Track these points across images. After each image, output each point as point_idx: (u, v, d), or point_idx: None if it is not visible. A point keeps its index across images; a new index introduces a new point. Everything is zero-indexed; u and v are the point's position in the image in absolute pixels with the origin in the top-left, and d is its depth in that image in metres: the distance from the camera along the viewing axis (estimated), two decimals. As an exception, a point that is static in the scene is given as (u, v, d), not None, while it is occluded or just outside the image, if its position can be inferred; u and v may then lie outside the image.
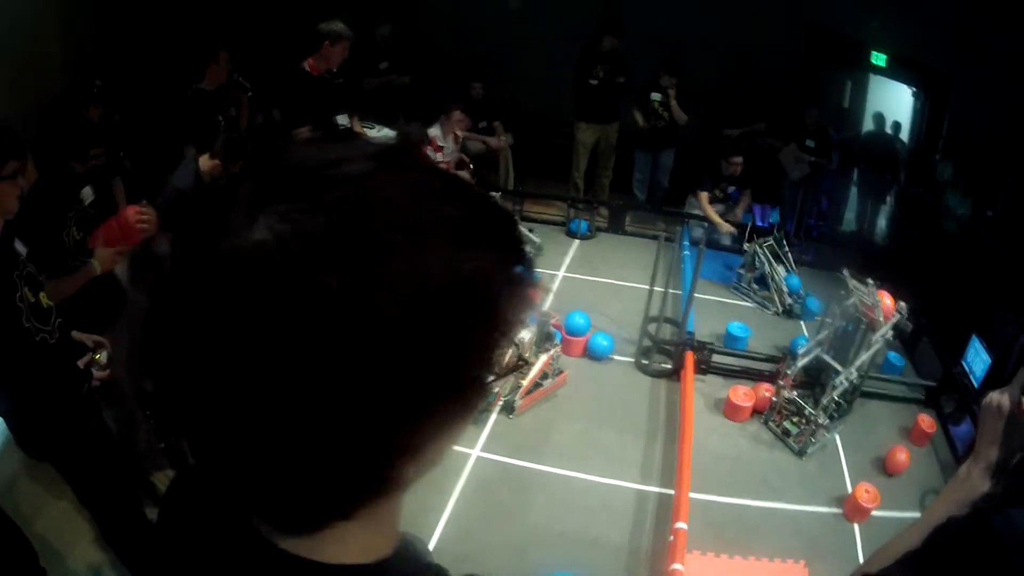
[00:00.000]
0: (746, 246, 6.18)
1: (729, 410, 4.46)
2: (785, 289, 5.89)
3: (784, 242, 6.23)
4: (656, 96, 7.24)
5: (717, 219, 6.89)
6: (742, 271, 6.20)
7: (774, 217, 7.81)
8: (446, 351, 0.52)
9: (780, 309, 5.89)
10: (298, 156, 0.54)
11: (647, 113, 7.33)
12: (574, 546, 3.37)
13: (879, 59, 8.43)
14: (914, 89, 9.13)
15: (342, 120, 5.19)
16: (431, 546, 3.22)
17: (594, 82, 7.12)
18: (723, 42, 7.80)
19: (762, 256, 5.97)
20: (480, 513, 3.49)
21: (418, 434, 0.55)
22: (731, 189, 7.06)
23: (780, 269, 5.98)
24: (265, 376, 0.48)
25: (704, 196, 6.94)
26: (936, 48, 7.65)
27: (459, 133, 6.72)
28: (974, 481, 1.23)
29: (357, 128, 5.49)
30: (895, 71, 8.63)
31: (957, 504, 1.23)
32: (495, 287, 0.55)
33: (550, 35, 7.95)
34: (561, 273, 6.19)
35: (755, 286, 6.08)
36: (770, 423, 4.41)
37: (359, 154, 0.54)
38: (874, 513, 3.75)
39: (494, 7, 8.05)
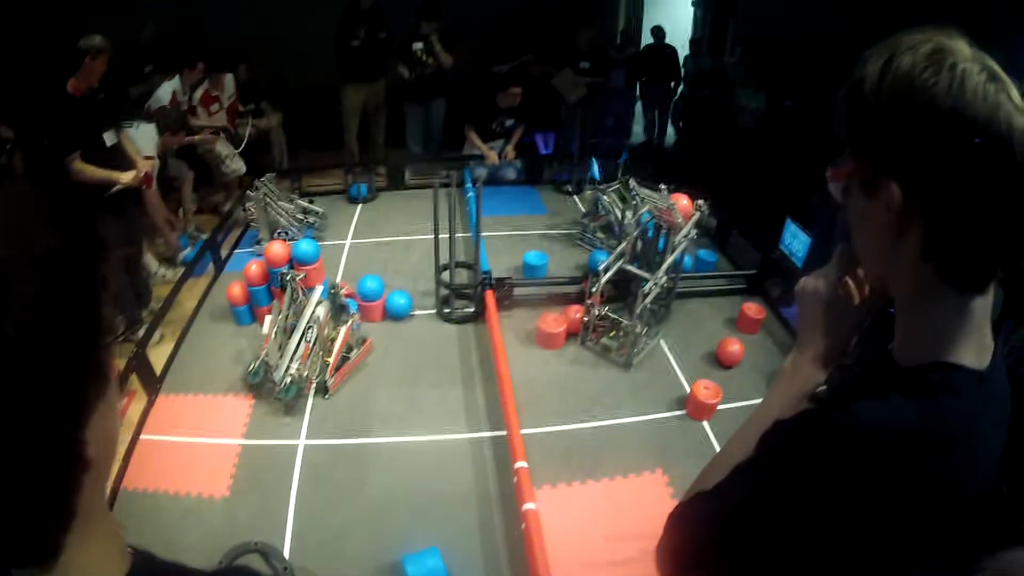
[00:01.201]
0: (587, 194, 6.36)
1: (542, 339, 4.49)
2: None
3: (630, 182, 6.28)
4: (418, 45, 7.20)
5: (484, 148, 7.05)
6: (586, 220, 6.15)
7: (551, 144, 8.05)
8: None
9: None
10: None
11: (411, 63, 7.27)
12: (425, 509, 3.33)
13: None
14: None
15: (109, 138, 4.85)
16: (286, 548, 3.11)
17: (356, 43, 6.98)
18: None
19: (606, 201, 5.92)
20: (324, 502, 3.38)
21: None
22: (509, 122, 7.15)
23: (628, 213, 5.91)
24: None
25: (472, 131, 7.05)
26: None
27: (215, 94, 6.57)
28: (804, 372, 1.21)
29: (126, 144, 5.15)
30: None
31: (790, 399, 1.20)
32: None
33: (305, 3, 7.73)
34: (348, 241, 6.06)
35: (601, 235, 6.01)
36: (587, 343, 4.48)
37: None
38: (720, 407, 3.88)
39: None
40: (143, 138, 5.65)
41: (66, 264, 0.56)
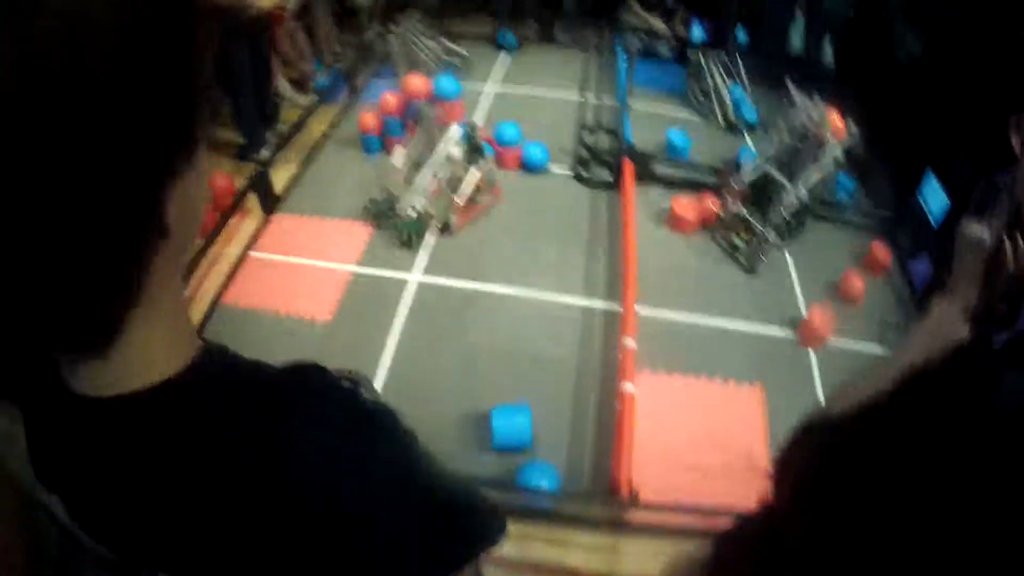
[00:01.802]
0: (689, 53, 5.92)
1: (673, 221, 4.28)
2: (728, 102, 5.62)
3: (736, 56, 5.99)
4: None
5: (644, 15, 6.64)
6: (690, 79, 5.89)
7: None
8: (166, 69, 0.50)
9: (723, 123, 5.63)
10: None
11: None
12: (522, 367, 3.26)
13: None
14: None
15: None
16: (379, 382, 3.10)
17: None
18: None
19: (707, 66, 5.68)
20: (425, 341, 3.34)
21: (177, 169, 0.53)
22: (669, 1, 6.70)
23: (727, 81, 5.73)
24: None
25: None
26: None
27: None
28: (951, 324, 1.09)
29: None
30: None
31: (932, 349, 1.08)
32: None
33: None
34: (490, 87, 5.82)
35: (701, 97, 5.77)
36: (717, 236, 4.26)
37: None
38: (830, 341, 3.67)
39: None
40: None
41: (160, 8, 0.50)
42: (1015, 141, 0.88)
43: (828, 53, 9.08)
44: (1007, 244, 1.07)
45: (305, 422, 0.59)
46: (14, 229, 0.46)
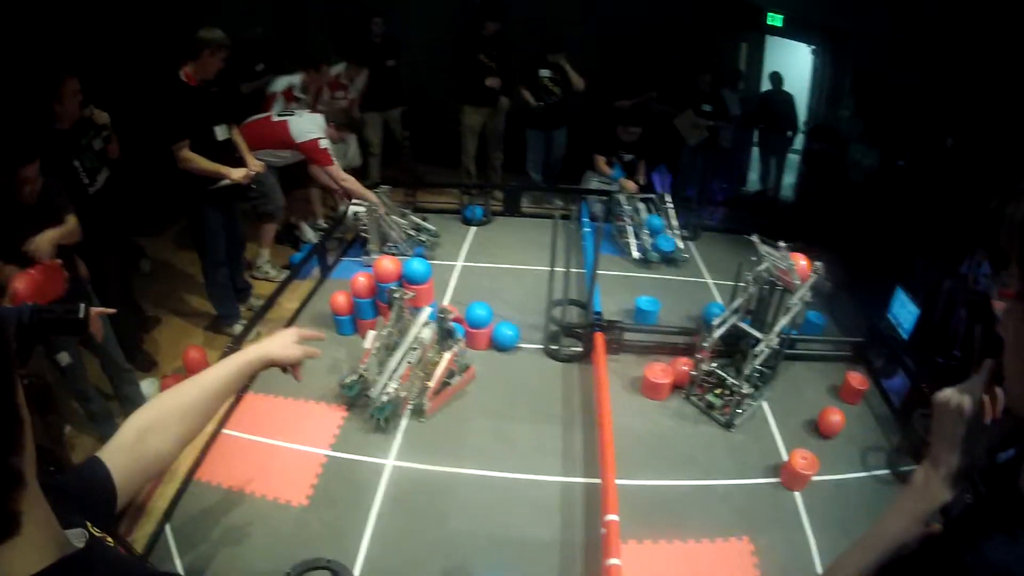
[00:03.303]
0: (615, 193, 6.30)
1: (647, 388, 4.30)
2: (647, 237, 5.90)
3: (665, 196, 6.31)
4: (545, 72, 7.16)
5: (604, 168, 7.01)
6: (609, 218, 6.29)
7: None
8: None
9: (636, 256, 5.89)
10: None
11: (537, 91, 7.23)
12: (505, 548, 3.19)
13: (775, 20, 8.68)
14: (813, 47, 9.46)
15: (221, 132, 4.90)
16: (357, 569, 3.00)
17: (491, 83, 7.01)
18: (604, 18, 7.87)
19: (624, 202, 6.06)
20: (404, 526, 3.26)
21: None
22: (628, 157, 7.03)
23: (643, 213, 6.10)
24: None
25: (600, 159, 6.96)
26: (832, 5, 7.89)
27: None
28: (934, 491, 1.13)
29: (236, 138, 5.19)
30: (793, 31, 8.91)
31: (915, 518, 1.14)
32: None
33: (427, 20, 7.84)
34: (459, 263, 5.93)
35: (615, 233, 6.09)
36: (692, 398, 4.28)
37: None
38: (814, 478, 3.66)
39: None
40: (309, 123, 5.71)
41: None
42: (998, 310, 0.92)
43: (785, 185, 9.55)
44: (986, 402, 1.07)
45: None
46: None
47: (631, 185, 6.77)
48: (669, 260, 5.96)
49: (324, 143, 5.59)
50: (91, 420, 3.85)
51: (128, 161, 4.99)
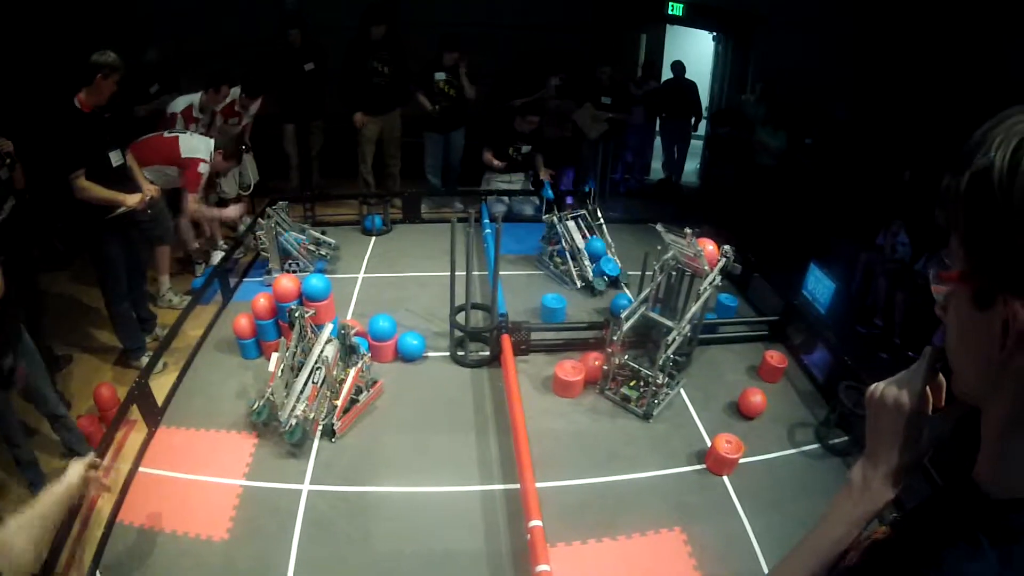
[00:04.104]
0: (544, 217, 6.12)
1: (559, 387, 4.33)
2: (587, 263, 5.75)
3: (597, 211, 6.18)
4: (440, 75, 7.12)
5: (497, 164, 7.12)
6: (543, 243, 6.13)
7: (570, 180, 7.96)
8: None
9: (579, 284, 5.72)
10: None
11: (432, 95, 7.18)
12: (432, 565, 3.17)
13: (676, 9, 8.87)
14: (715, 33, 9.70)
15: (115, 158, 4.73)
16: None
17: (378, 80, 6.93)
18: (502, 19, 7.91)
19: (560, 228, 5.87)
20: (328, 553, 3.21)
21: None
22: (526, 148, 7.09)
23: (579, 240, 5.88)
24: None
25: (488, 153, 7.05)
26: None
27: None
28: (875, 490, 1.04)
29: (130, 162, 5.03)
30: (694, 19, 9.11)
31: (856, 519, 1.05)
32: None
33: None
34: (361, 275, 5.90)
35: (557, 259, 5.97)
36: (606, 392, 4.32)
37: None
38: (741, 461, 3.74)
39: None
40: (200, 143, 5.55)
41: None
42: (936, 294, 0.83)
43: (690, 172, 9.75)
44: (927, 393, 0.99)
45: None
46: None
47: (497, 163, 7.02)
48: (615, 283, 5.82)
49: (203, 168, 5.45)
50: (18, 466, 3.68)
51: (34, 190, 4.83)
